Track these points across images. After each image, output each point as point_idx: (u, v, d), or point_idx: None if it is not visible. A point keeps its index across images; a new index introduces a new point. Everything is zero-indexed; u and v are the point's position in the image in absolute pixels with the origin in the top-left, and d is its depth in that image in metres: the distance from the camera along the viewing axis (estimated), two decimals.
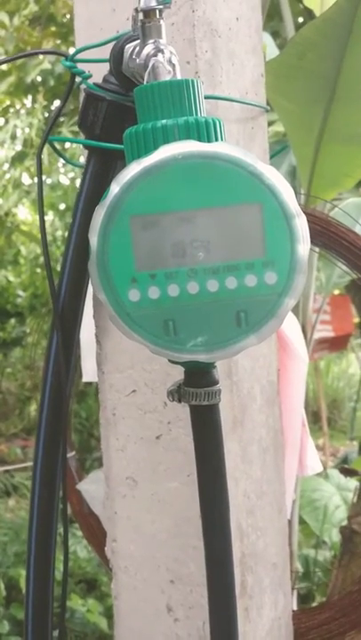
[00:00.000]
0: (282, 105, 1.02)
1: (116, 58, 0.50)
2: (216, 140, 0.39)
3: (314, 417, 4.00)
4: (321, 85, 0.94)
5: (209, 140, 0.38)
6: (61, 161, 4.25)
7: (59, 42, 4.13)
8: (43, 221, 0.57)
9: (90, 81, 0.55)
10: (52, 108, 4.03)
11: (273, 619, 0.65)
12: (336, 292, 3.71)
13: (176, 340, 0.36)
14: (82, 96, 0.58)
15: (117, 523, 0.63)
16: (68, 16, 4.13)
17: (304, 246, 0.36)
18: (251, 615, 0.61)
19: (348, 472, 1.39)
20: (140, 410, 0.61)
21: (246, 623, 0.60)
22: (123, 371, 0.61)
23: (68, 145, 3.99)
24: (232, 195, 0.35)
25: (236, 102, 0.60)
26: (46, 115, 3.99)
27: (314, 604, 1.74)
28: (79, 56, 0.57)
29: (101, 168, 0.55)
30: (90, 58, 0.56)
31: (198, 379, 0.43)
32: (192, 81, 0.41)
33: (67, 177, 4.31)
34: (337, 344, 3.70)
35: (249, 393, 0.62)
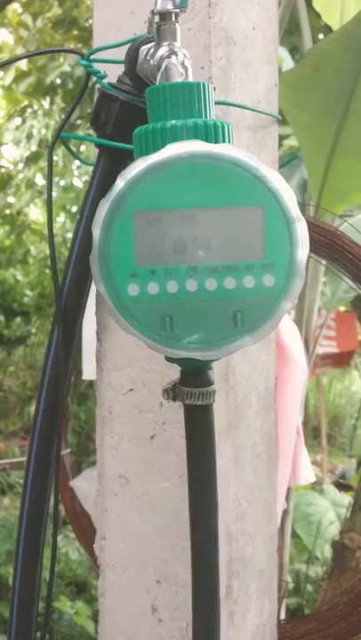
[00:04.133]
0: (296, 116, 1.03)
1: (131, 59, 0.51)
2: (223, 142, 0.39)
3: (314, 432, 3.99)
4: (336, 98, 0.95)
5: (216, 143, 0.39)
6: (76, 163, 4.29)
7: (80, 45, 4.16)
8: (50, 213, 0.58)
9: (105, 81, 0.56)
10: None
11: (257, 625, 0.65)
12: (342, 308, 3.71)
13: (172, 337, 0.36)
14: (96, 96, 0.59)
15: (107, 520, 0.63)
16: (90, 21, 4.16)
17: (303, 251, 0.36)
18: (235, 620, 0.61)
19: (342, 487, 1.39)
20: (136, 409, 0.61)
21: (230, 627, 0.60)
22: (121, 369, 0.62)
23: (83, 147, 4.02)
24: (235, 196, 0.35)
25: (248, 110, 0.61)
26: (63, 117, 4.01)
27: None
28: (96, 56, 0.58)
29: (111, 167, 0.56)
30: (106, 58, 0.57)
31: (194, 378, 0.43)
32: (203, 84, 0.41)
33: (80, 180, 4.33)
34: (340, 360, 3.70)
35: (245, 398, 0.62)
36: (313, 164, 1.15)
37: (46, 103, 4.13)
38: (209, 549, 0.46)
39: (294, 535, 1.98)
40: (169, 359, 0.43)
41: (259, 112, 0.62)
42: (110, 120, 0.54)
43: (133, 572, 0.62)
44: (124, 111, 0.54)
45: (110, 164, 0.56)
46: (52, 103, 3.97)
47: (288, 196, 0.36)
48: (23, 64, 3.99)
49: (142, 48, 0.50)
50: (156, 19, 0.44)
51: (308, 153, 1.14)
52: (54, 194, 4.26)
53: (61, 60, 3.94)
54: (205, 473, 0.46)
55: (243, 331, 0.36)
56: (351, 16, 0.93)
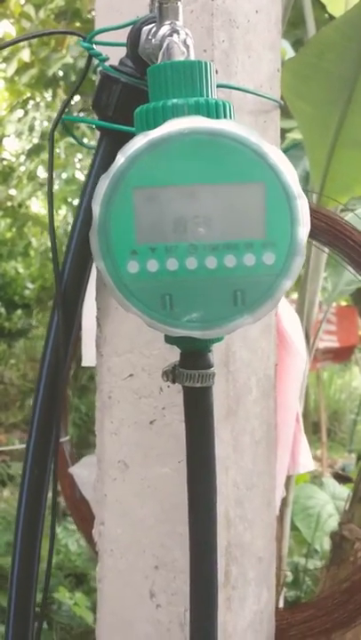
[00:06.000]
0: (298, 106, 1.02)
1: (133, 40, 0.51)
2: None
3: (314, 427, 3.99)
4: (338, 87, 0.94)
5: None
6: (77, 156, 4.27)
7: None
8: (51, 196, 0.57)
9: (106, 64, 0.55)
10: (73, 102, 4.05)
11: (255, 612, 0.65)
12: (343, 303, 3.71)
13: (171, 315, 0.36)
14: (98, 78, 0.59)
15: (106, 505, 0.63)
16: (93, 13, 4.14)
17: (304, 229, 0.36)
18: (233, 606, 0.61)
19: (341, 478, 1.39)
20: (136, 394, 0.61)
21: (227, 613, 0.60)
22: (121, 354, 0.62)
23: (85, 140, 3.98)
24: (235, 172, 0.35)
25: (250, 94, 0.60)
26: (67, 110, 4.00)
27: None
28: (98, 39, 0.57)
29: (112, 150, 0.56)
30: (108, 41, 0.56)
31: (193, 360, 0.43)
32: (205, 63, 0.41)
33: (82, 172, 4.32)
34: (341, 355, 3.70)
35: (245, 384, 0.62)
36: (315, 154, 1.14)
37: (48, 95, 4.12)
38: (207, 533, 0.46)
39: (293, 528, 1.98)
40: (168, 340, 0.42)
41: (261, 96, 0.62)
42: (112, 103, 0.54)
43: (132, 557, 0.62)
44: (126, 93, 0.53)
45: (112, 146, 0.56)
46: (54, 95, 3.96)
47: (289, 172, 0.35)
48: (26, 55, 3.97)
49: (144, 29, 0.49)
50: None
51: (311, 143, 1.13)
52: (55, 186, 4.25)
53: (64, 51, 3.93)
54: (204, 456, 0.46)
55: (242, 309, 0.36)
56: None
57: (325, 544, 1.97)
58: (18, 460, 3.86)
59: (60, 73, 4.02)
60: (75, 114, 3.76)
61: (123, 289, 0.36)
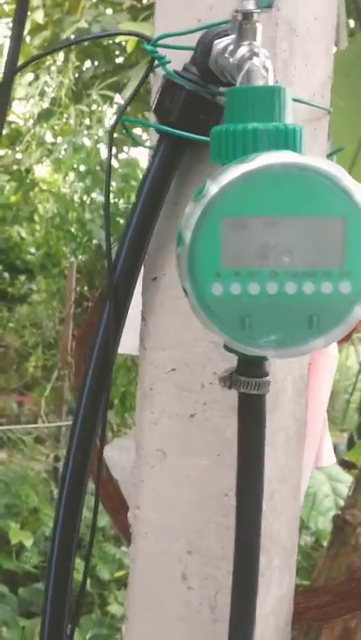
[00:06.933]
0: (332, 100, 1.03)
1: (204, 50, 0.52)
2: (300, 146, 0.41)
3: None
4: None
5: (294, 147, 0.41)
6: (85, 123, 4.23)
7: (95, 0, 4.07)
8: (107, 204, 0.59)
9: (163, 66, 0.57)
10: (84, 68, 4.00)
11: (278, 597, 0.69)
12: None
13: (250, 336, 0.38)
14: (154, 78, 0.60)
15: (143, 491, 0.66)
16: None
17: None
18: (260, 593, 0.64)
19: (346, 465, 1.43)
20: (178, 388, 0.63)
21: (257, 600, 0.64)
22: (165, 349, 0.64)
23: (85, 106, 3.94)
24: (319, 205, 0.37)
25: (305, 104, 0.62)
26: (77, 75, 3.96)
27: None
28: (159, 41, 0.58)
29: (170, 154, 0.57)
30: (170, 44, 0.57)
31: (251, 368, 0.46)
32: (283, 88, 0.43)
33: (89, 139, 4.27)
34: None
35: (282, 384, 0.65)
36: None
37: (60, 60, 4.06)
38: (253, 536, 0.50)
39: None
40: (228, 348, 0.45)
41: (315, 106, 0.63)
42: (175, 108, 0.55)
43: (166, 541, 0.65)
44: (190, 101, 0.55)
45: (170, 151, 0.57)
46: (66, 60, 3.90)
47: None
48: (39, 17, 3.90)
49: (216, 41, 0.51)
50: (240, 17, 0.44)
51: (338, 138, 1.14)
52: (62, 152, 4.22)
53: (78, 15, 3.86)
54: (255, 459, 0.48)
55: (317, 333, 0.38)
56: None
57: (320, 523, 2.03)
58: (15, 423, 3.91)
59: (73, 37, 3.94)
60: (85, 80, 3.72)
61: (206, 309, 0.38)
